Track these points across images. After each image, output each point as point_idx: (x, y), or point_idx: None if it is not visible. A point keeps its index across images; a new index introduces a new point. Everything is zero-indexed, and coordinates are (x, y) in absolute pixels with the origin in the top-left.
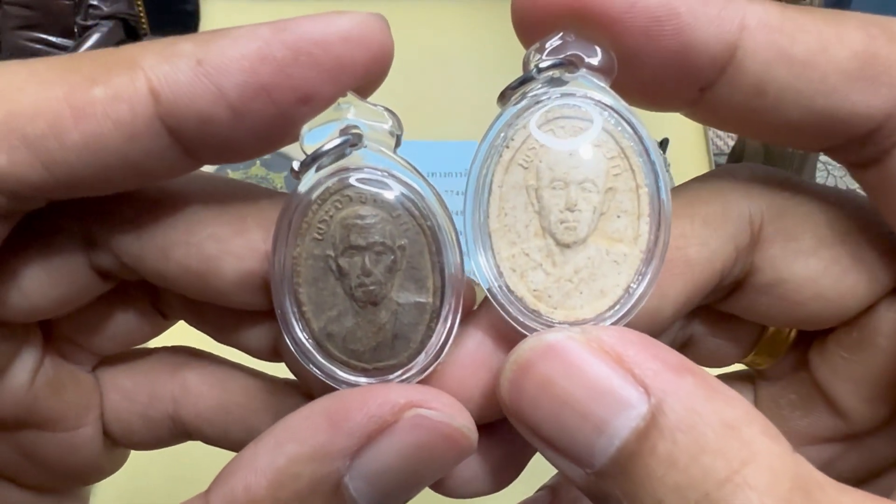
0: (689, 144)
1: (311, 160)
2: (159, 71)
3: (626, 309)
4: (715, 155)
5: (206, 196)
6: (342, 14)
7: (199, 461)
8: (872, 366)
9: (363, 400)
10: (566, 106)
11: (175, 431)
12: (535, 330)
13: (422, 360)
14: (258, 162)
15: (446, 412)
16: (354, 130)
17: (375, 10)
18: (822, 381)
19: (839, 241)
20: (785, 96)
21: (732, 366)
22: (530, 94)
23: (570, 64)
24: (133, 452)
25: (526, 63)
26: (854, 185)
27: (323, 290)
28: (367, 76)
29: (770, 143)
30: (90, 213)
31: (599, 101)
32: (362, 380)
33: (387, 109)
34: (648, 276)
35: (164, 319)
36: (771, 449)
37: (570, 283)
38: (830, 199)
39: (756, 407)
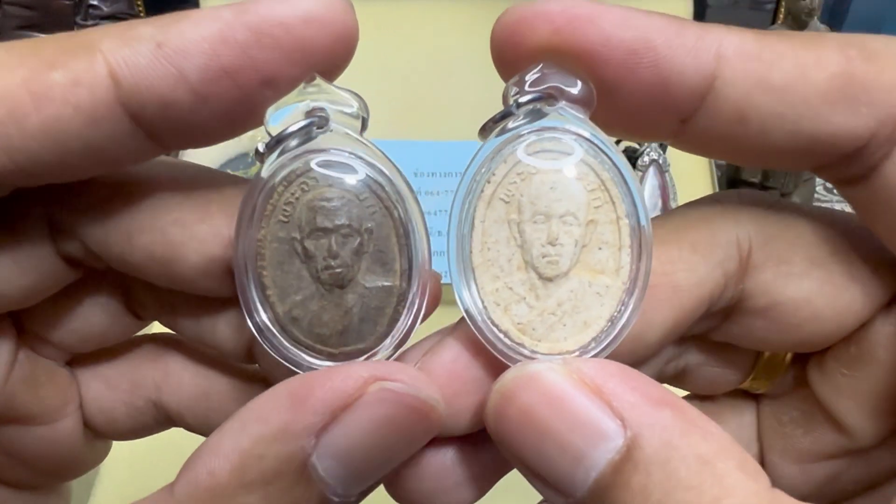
0: None
1: (276, 142)
2: (119, 55)
3: (609, 340)
4: None
5: (171, 182)
6: None
7: None
8: (873, 381)
9: (326, 377)
10: (546, 139)
11: (158, 418)
12: (520, 362)
13: (388, 344)
14: (258, 162)
15: (412, 384)
16: (320, 113)
17: (375, 9)
18: (824, 398)
19: (831, 260)
20: (767, 123)
21: None
22: (511, 128)
23: (550, 97)
24: (134, 449)
25: (505, 97)
26: None
27: (288, 273)
28: (331, 58)
29: (757, 167)
30: (55, 198)
31: (579, 134)
32: (328, 364)
33: (352, 93)
34: (631, 307)
35: (138, 320)
36: (746, 485)
37: (553, 315)
38: (819, 219)
39: (759, 425)
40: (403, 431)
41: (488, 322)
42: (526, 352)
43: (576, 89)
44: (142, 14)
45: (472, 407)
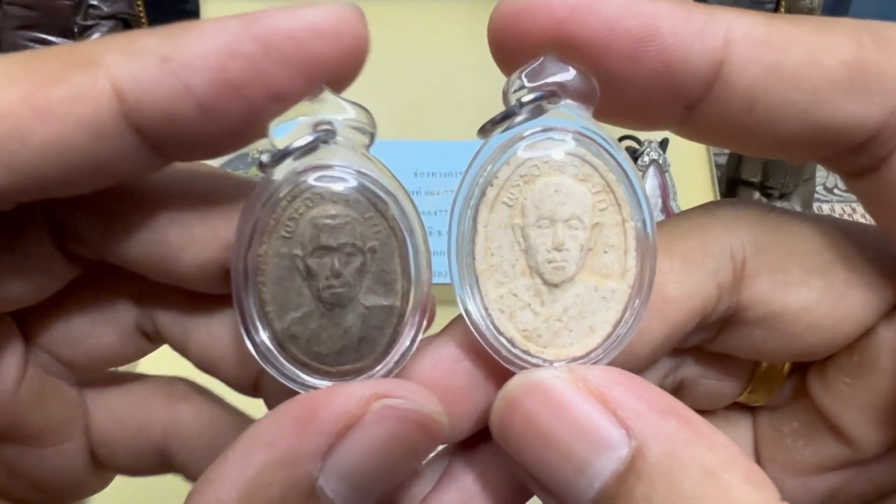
0: (690, 144)
1: (282, 156)
2: (123, 69)
3: (615, 343)
4: (715, 154)
5: (172, 182)
6: (314, 6)
7: None
8: (877, 390)
9: (328, 398)
10: (549, 139)
11: (161, 463)
12: (525, 369)
13: (386, 363)
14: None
15: (414, 399)
16: (327, 126)
17: (375, 9)
18: (826, 409)
19: (829, 268)
20: (776, 110)
21: None
22: (513, 127)
23: (552, 94)
24: None
25: (505, 93)
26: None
27: (288, 289)
28: (340, 71)
29: (763, 156)
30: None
31: (582, 133)
32: (325, 383)
33: (361, 107)
34: (637, 311)
35: (148, 342)
36: (752, 497)
37: (559, 321)
38: (816, 226)
39: (757, 437)
40: (408, 447)
41: (493, 330)
42: (532, 359)
43: (578, 85)
44: (142, 14)
45: (468, 412)
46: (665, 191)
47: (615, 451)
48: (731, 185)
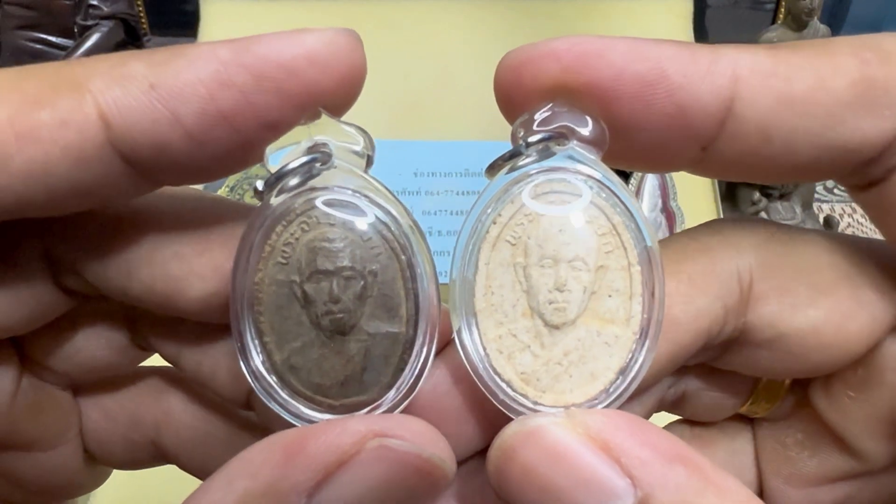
0: None
1: (276, 179)
2: (109, 95)
3: (618, 393)
4: None
5: (171, 213)
6: (308, 32)
7: None
8: (882, 403)
9: (321, 431)
10: (555, 180)
11: (155, 455)
12: (522, 414)
13: (392, 395)
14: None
15: (415, 441)
16: (323, 149)
17: (376, 10)
18: (831, 421)
19: (836, 286)
20: (792, 138)
21: None
22: (519, 167)
23: (561, 136)
24: None
25: (514, 135)
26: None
27: (287, 318)
28: (336, 99)
29: (779, 182)
30: (53, 232)
31: (589, 175)
32: (328, 417)
33: (358, 128)
34: (641, 359)
35: (141, 351)
36: None
37: (559, 365)
38: (821, 245)
39: (759, 449)
40: (404, 492)
41: (490, 370)
42: (529, 403)
43: (587, 129)
44: (142, 14)
45: (469, 432)
46: (665, 191)
47: (620, 502)
48: (731, 185)
